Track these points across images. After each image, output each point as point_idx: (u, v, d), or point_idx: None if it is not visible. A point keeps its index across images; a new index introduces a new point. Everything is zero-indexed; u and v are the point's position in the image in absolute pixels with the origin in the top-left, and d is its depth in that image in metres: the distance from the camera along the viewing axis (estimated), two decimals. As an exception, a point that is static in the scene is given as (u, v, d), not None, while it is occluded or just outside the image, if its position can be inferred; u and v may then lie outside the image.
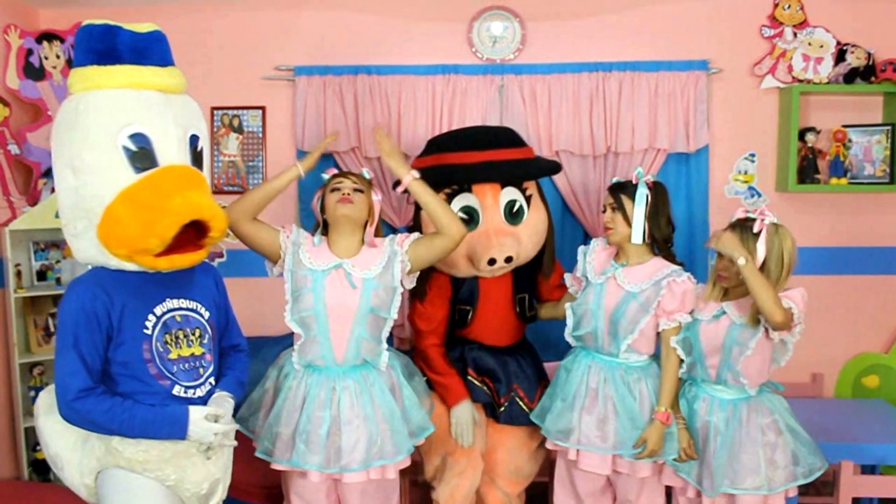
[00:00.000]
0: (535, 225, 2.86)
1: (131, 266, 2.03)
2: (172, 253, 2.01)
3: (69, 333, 1.97)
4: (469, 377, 2.85)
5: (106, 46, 1.99)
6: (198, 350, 2.14)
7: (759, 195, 3.65)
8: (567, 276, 2.90)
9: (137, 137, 1.97)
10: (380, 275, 2.53)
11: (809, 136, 3.53)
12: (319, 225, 2.63)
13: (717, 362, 2.53)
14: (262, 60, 3.65)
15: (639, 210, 2.61)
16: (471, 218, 2.78)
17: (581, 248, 2.86)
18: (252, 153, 3.71)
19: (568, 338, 2.78)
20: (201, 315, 2.18)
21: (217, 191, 3.69)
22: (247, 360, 2.38)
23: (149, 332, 2.04)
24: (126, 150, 1.96)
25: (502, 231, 2.77)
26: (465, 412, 2.79)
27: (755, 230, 2.44)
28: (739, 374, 2.49)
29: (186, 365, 2.10)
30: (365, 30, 3.63)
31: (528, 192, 2.87)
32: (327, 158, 3.61)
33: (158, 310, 2.08)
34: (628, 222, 2.63)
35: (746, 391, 2.52)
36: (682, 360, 2.62)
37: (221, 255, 3.75)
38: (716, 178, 3.65)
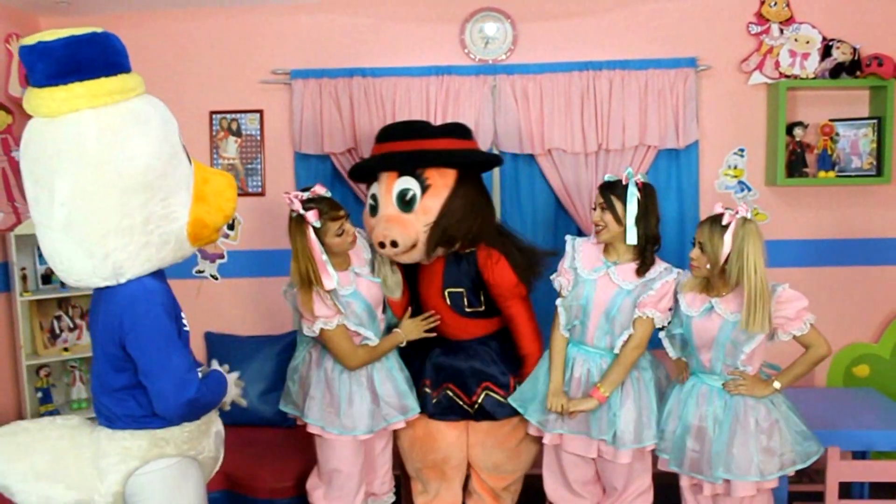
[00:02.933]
0: (430, 213, 2.86)
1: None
2: None
3: (170, 334, 1.97)
4: (425, 388, 2.94)
5: (115, 55, 1.93)
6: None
7: (749, 189, 3.71)
8: (557, 280, 2.87)
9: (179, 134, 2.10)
10: (372, 261, 2.95)
11: (797, 131, 3.59)
12: (318, 275, 2.72)
13: (710, 356, 2.60)
14: (259, 64, 3.72)
15: (631, 210, 2.66)
16: (375, 203, 2.94)
17: (568, 239, 2.89)
18: (251, 156, 3.78)
19: (563, 332, 2.84)
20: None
21: (217, 193, 3.76)
22: None
23: (187, 328, 2.14)
24: (183, 147, 2.08)
25: (390, 218, 2.86)
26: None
27: (724, 223, 2.50)
28: (738, 365, 2.56)
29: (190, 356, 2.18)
30: (359, 33, 3.70)
31: (427, 181, 2.87)
32: (324, 160, 3.68)
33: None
34: (618, 222, 2.69)
35: (748, 371, 2.58)
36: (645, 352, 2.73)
37: (222, 257, 3.82)
38: (706, 173, 3.71)
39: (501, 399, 2.91)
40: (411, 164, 2.89)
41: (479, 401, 2.91)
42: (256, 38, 3.73)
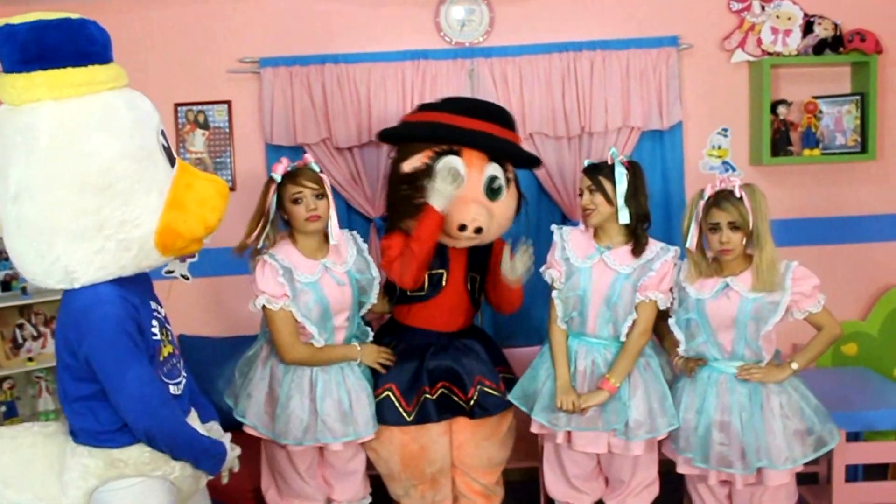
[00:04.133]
0: (506, 208, 2.84)
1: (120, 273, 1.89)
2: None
3: (126, 344, 1.82)
4: (426, 395, 2.78)
5: (88, 45, 1.78)
6: (170, 348, 2.07)
7: (734, 170, 3.65)
8: (548, 273, 2.77)
9: (163, 134, 1.92)
10: (356, 263, 2.75)
11: (781, 109, 3.53)
12: (265, 228, 2.61)
13: (730, 337, 2.52)
14: (226, 53, 3.55)
15: (620, 189, 2.59)
16: (453, 180, 2.68)
17: (555, 228, 2.80)
18: (219, 149, 3.62)
19: (561, 325, 2.73)
20: (161, 313, 2.10)
21: (185, 189, 3.59)
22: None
23: (157, 336, 1.98)
24: (163, 147, 1.90)
25: (478, 202, 2.73)
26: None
27: (738, 196, 2.46)
28: (761, 348, 2.50)
29: (169, 364, 2.04)
30: (330, 17, 3.55)
31: (509, 175, 2.85)
32: (298, 152, 3.52)
33: (152, 310, 2.02)
34: (609, 202, 2.60)
35: (763, 362, 2.52)
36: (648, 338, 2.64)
37: (193, 256, 3.65)
38: (690, 154, 3.64)
39: (495, 393, 2.81)
40: (508, 155, 2.84)
41: (475, 397, 2.79)
42: (223, 26, 3.55)
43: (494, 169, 2.78)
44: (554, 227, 2.80)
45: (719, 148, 3.66)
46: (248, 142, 3.62)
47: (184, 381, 2.09)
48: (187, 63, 3.56)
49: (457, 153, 2.74)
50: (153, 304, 2.04)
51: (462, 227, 2.69)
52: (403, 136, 2.87)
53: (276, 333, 2.63)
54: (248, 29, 3.55)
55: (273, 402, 2.67)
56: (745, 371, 2.49)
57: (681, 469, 2.66)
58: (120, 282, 1.88)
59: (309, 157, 2.70)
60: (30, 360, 3.42)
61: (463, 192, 2.69)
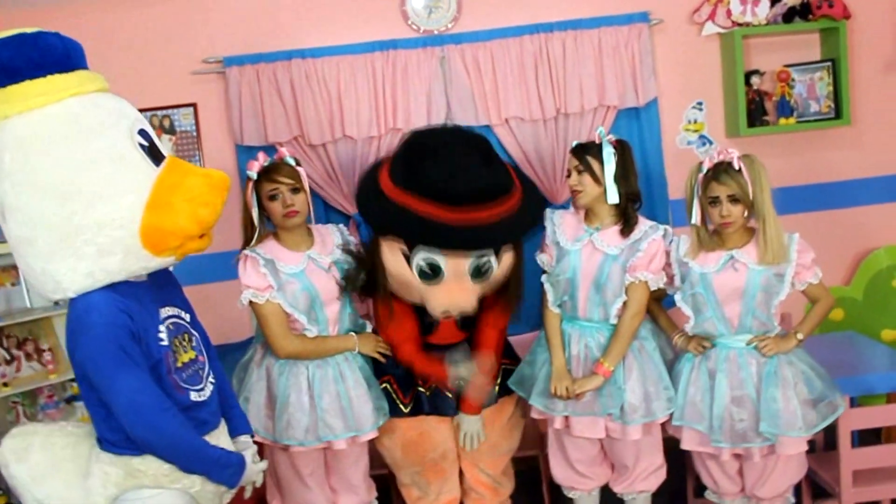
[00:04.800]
0: (501, 275, 2.59)
1: (123, 276, 1.84)
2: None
3: (115, 353, 1.76)
4: (419, 388, 2.73)
5: (46, 55, 1.74)
6: (192, 354, 2.00)
7: (711, 143, 3.64)
8: (540, 257, 2.75)
9: (143, 133, 1.85)
10: (342, 255, 2.69)
11: (754, 79, 3.53)
12: (256, 228, 2.58)
13: (737, 310, 2.50)
14: (188, 54, 3.44)
15: (609, 169, 2.54)
16: (434, 273, 2.49)
17: (547, 213, 2.75)
18: (188, 154, 3.50)
19: (553, 309, 2.70)
20: (183, 319, 2.04)
21: (155, 197, 3.47)
22: (221, 367, 2.24)
23: (165, 342, 1.90)
24: (142, 147, 1.83)
25: (464, 290, 2.51)
26: (477, 423, 2.71)
27: (736, 168, 2.43)
28: (772, 318, 2.49)
29: (190, 370, 1.97)
30: (295, 12, 3.46)
31: (502, 251, 2.56)
32: (269, 152, 3.41)
33: (161, 317, 1.95)
34: (597, 182, 2.56)
35: (770, 334, 2.51)
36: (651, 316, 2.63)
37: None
38: (666, 130, 3.62)
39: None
40: (500, 243, 2.49)
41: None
42: (184, 27, 3.44)
43: (481, 255, 2.49)
44: (546, 211, 2.74)
45: (695, 122, 3.65)
46: (217, 144, 3.51)
47: (209, 388, 2.02)
48: (149, 67, 3.44)
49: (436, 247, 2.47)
50: (167, 310, 1.96)
51: (445, 313, 2.55)
52: (380, 226, 2.56)
53: (265, 328, 2.57)
54: (210, 28, 3.44)
55: (272, 404, 2.60)
56: (760, 341, 2.47)
57: (686, 445, 2.63)
58: (118, 288, 1.83)
59: (284, 151, 2.64)
60: (4, 385, 3.28)
61: (445, 280, 2.50)
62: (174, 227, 1.80)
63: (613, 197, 2.55)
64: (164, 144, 3.45)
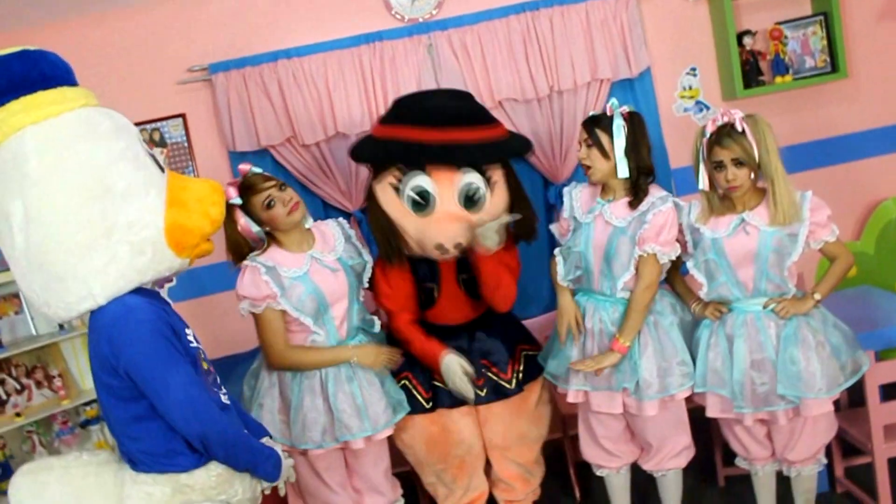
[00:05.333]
0: (495, 213, 2.59)
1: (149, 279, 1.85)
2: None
3: (166, 348, 1.76)
4: (436, 382, 2.70)
5: (52, 69, 1.80)
6: (205, 364, 1.98)
7: (708, 108, 3.59)
8: (552, 227, 2.76)
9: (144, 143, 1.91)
10: (345, 250, 2.63)
11: (747, 40, 3.48)
12: (257, 246, 2.53)
13: (751, 274, 2.44)
14: (173, 64, 3.39)
15: (618, 143, 2.49)
16: (424, 200, 2.56)
17: (566, 189, 2.74)
18: (181, 165, 3.46)
19: (563, 282, 2.66)
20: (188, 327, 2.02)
21: (152, 212, 3.43)
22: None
23: (194, 344, 1.92)
24: (149, 154, 1.88)
25: (455, 217, 2.54)
26: (451, 364, 2.62)
27: (739, 130, 2.36)
28: (786, 280, 2.43)
29: (211, 377, 1.97)
30: (277, 12, 3.41)
31: (492, 178, 2.60)
32: (263, 155, 3.39)
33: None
34: (605, 156, 2.51)
35: (787, 295, 2.46)
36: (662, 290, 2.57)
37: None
38: (662, 99, 3.58)
39: (501, 381, 2.71)
40: (484, 160, 2.55)
41: (484, 382, 2.69)
42: (166, 37, 3.39)
43: (470, 177, 2.56)
44: (565, 189, 2.74)
45: (690, 88, 3.60)
46: (209, 153, 3.47)
47: (226, 396, 2.01)
48: (134, 81, 3.39)
49: (423, 170, 2.56)
50: (180, 318, 1.96)
51: (440, 247, 2.56)
52: (366, 158, 2.70)
53: (262, 337, 2.52)
54: (192, 37, 3.40)
55: (286, 408, 2.56)
56: (776, 303, 2.43)
57: (711, 413, 2.59)
58: (143, 293, 1.84)
59: (244, 166, 2.55)
60: (17, 415, 3.24)
61: (437, 209, 2.55)
62: (193, 225, 1.84)
63: (623, 171, 2.50)
64: (158, 158, 3.44)
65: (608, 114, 2.52)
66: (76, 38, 3.34)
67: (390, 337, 2.76)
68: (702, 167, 2.44)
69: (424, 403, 2.68)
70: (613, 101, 2.56)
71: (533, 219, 2.75)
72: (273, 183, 2.50)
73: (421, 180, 2.55)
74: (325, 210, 3.45)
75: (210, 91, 3.39)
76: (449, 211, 2.55)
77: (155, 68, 3.39)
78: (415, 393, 2.68)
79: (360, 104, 3.36)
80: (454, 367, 2.60)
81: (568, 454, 3.27)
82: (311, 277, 2.51)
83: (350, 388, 2.53)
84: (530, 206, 2.75)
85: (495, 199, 2.62)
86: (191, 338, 1.90)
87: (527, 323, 3.01)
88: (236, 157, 3.40)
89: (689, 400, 2.66)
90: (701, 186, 2.46)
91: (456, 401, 2.67)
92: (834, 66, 3.50)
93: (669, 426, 2.64)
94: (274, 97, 3.33)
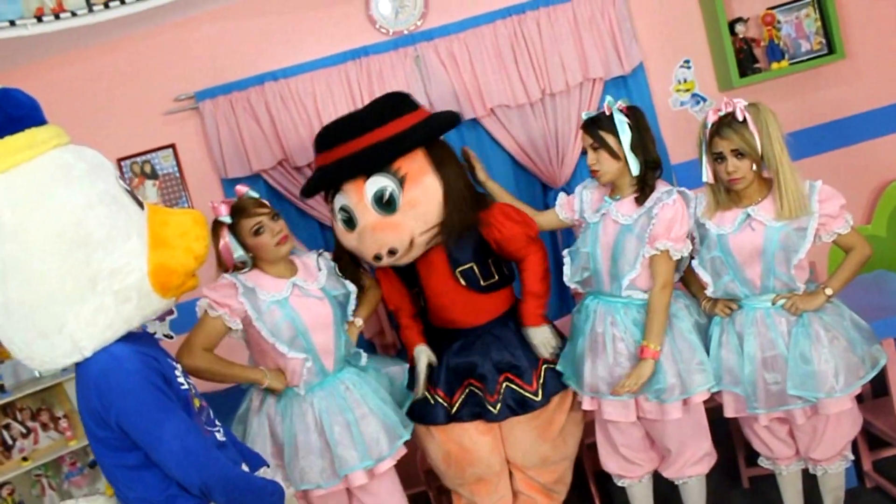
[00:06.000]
0: (421, 204, 2.54)
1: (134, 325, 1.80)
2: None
3: (157, 398, 1.71)
4: (437, 398, 2.65)
5: (18, 109, 1.72)
6: (198, 401, 1.93)
7: (705, 100, 3.52)
8: (560, 197, 2.77)
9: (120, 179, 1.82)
10: (328, 281, 2.57)
11: (739, 28, 3.40)
12: (238, 268, 2.47)
13: (758, 271, 2.36)
14: (159, 95, 3.34)
15: (625, 140, 2.42)
16: (349, 216, 2.58)
17: (578, 187, 2.70)
18: (174, 196, 3.41)
19: (570, 284, 2.60)
20: (179, 367, 1.96)
21: (148, 245, 3.38)
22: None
23: (185, 385, 1.85)
24: (126, 191, 1.80)
25: (377, 225, 2.53)
26: (419, 355, 2.70)
27: (740, 119, 2.28)
28: (793, 278, 2.34)
29: (205, 415, 1.92)
30: (260, 35, 3.37)
31: (401, 173, 2.53)
32: (256, 180, 3.34)
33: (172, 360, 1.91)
34: (615, 157, 2.45)
35: (797, 291, 2.37)
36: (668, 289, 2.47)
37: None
38: (658, 94, 3.50)
39: (526, 392, 2.62)
40: (374, 164, 2.52)
41: (500, 398, 2.60)
42: (151, 68, 3.35)
43: (375, 183, 2.52)
44: (577, 187, 2.72)
45: (685, 81, 3.53)
46: (202, 182, 3.42)
47: (222, 430, 1.96)
48: (121, 114, 3.35)
49: (338, 190, 2.60)
50: (169, 359, 1.91)
51: (376, 257, 2.54)
52: (306, 194, 2.75)
53: (193, 332, 2.42)
54: (177, 66, 3.35)
55: (280, 452, 2.46)
56: (786, 300, 2.34)
57: (729, 413, 2.51)
58: (130, 339, 1.78)
59: (241, 188, 2.52)
60: (24, 459, 3.20)
61: (360, 223, 2.57)
62: (177, 264, 1.77)
63: (636, 168, 2.44)
64: (149, 190, 3.40)
65: (607, 112, 2.45)
66: (60, 77, 3.31)
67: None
68: (705, 160, 2.36)
69: (448, 410, 2.65)
70: (609, 98, 2.50)
71: (463, 212, 2.59)
72: (266, 211, 2.45)
73: (339, 200, 2.60)
74: (322, 231, 3.39)
75: (198, 119, 3.34)
76: (369, 222, 2.55)
77: (142, 100, 3.35)
78: (434, 401, 2.64)
79: (350, 121, 3.30)
80: (421, 360, 2.68)
81: (586, 464, 3.18)
82: (291, 304, 2.44)
83: (345, 417, 2.44)
84: (463, 194, 2.61)
85: (413, 192, 2.53)
86: (180, 378, 1.84)
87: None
88: (229, 184, 3.34)
89: (707, 401, 2.58)
90: (705, 179, 2.38)
91: (474, 414, 2.61)
92: (830, 47, 3.42)
93: (689, 430, 2.56)
94: (263, 121, 3.29)
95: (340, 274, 2.63)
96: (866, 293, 2.97)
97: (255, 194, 2.52)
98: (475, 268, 2.64)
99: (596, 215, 2.54)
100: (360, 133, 2.54)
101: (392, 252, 2.51)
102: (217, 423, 1.95)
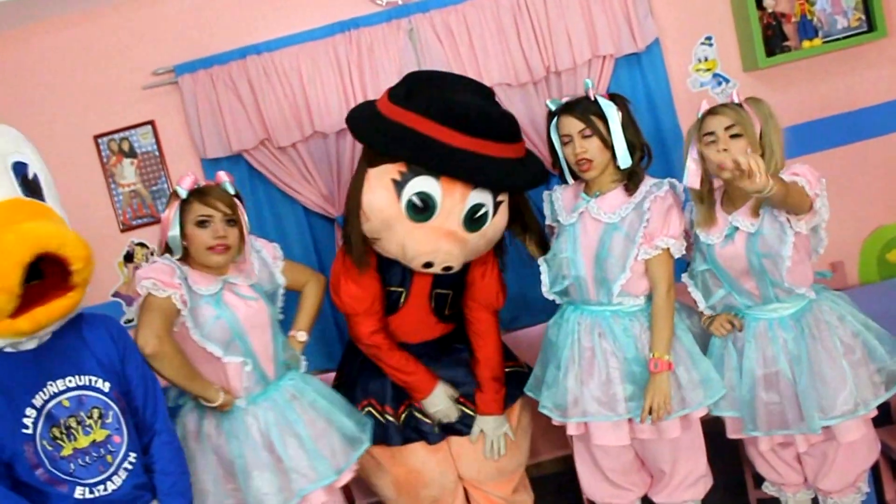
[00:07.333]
0: (492, 234, 2.36)
1: None
2: (33, 307, 1.56)
3: None
4: (386, 415, 2.44)
5: None
6: (100, 435, 1.71)
7: (727, 81, 3.21)
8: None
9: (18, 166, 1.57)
10: (260, 274, 2.36)
11: (768, 1, 3.09)
12: (172, 251, 2.20)
13: (754, 283, 2.12)
14: (138, 68, 3.14)
15: (615, 128, 2.18)
16: (425, 206, 2.25)
17: (546, 193, 2.45)
18: (153, 176, 3.22)
19: (548, 295, 2.36)
20: (99, 390, 1.74)
21: (127, 227, 3.21)
22: (170, 444, 1.93)
23: (29, 431, 1.62)
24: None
25: (451, 234, 2.25)
26: (439, 398, 2.39)
27: (737, 102, 2.09)
28: (793, 286, 2.08)
29: (87, 458, 1.68)
30: (243, 3, 3.14)
31: (499, 199, 2.32)
32: (237, 161, 3.14)
33: (38, 400, 1.65)
34: (606, 146, 2.20)
35: (804, 298, 2.12)
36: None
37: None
38: (675, 73, 3.21)
39: (470, 412, 2.44)
40: (507, 185, 2.28)
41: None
42: (130, 40, 3.14)
43: (480, 196, 2.25)
44: (545, 193, 2.46)
45: (706, 60, 3.22)
46: (182, 161, 3.21)
47: (124, 473, 1.73)
48: (98, 88, 3.16)
49: (434, 175, 2.23)
50: (58, 385, 1.67)
51: (427, 264, 2.26)
52: (375, 142, 2.29)
53: (143, 316, 2.04)
54: (157, 37, 3.14)
55: (230, 475, 2.19)
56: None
57: (731, 434, 2.27)
58: None
59: (223, 175, 2.28)
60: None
61: (435, 220, 2.25)
62: None
63: (626, 160, 2.19)
64: (127, 169, 3.21)
65: (591, 98, 2.20)
66: (32, 47, 3.13)
67: (351, 344, 2.50)
68: (688, 159, 2.11)
69: (393, 430, 2.41)
70: (588, 81, 2.26)
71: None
72: (226, 209, 2.18)
73: (429, 185, 2.23)
74: (307, 217, 3.19)
75: (178, 94, 3.14)
76: (447, 227, 2.25)
77: (119, 73, 3.16)
78: (381, 419, 2.41)
79: (338, 99, 3.07)
80: (444, 402, 2.41)
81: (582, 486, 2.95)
82: (224, 301, 2.19)
83: (296, 430, 2.22)
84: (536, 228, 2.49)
85: (496, 222, 2.33)
86: (27, 421, 1.59)
87: (517, 334, 2.72)
88: (210, 164, 3.15)
89: (706, 419, 2.33)
90: (685, 182, 2.12)
91: (420, 433, 2.40)
92: (871, 24, 3.08)
93: (684, 449, 2.32)
94: (245, 97, 3.07)
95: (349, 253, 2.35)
96: (888, 300, 2.68)
97: (231, 190, 2.26)
98: (449, 296, 2.45)
99: (572, 215, 2.29)
100: (495, 137, 2.22)
101: (446, 269, 2.27)
102: (114, 468, 1.71)
